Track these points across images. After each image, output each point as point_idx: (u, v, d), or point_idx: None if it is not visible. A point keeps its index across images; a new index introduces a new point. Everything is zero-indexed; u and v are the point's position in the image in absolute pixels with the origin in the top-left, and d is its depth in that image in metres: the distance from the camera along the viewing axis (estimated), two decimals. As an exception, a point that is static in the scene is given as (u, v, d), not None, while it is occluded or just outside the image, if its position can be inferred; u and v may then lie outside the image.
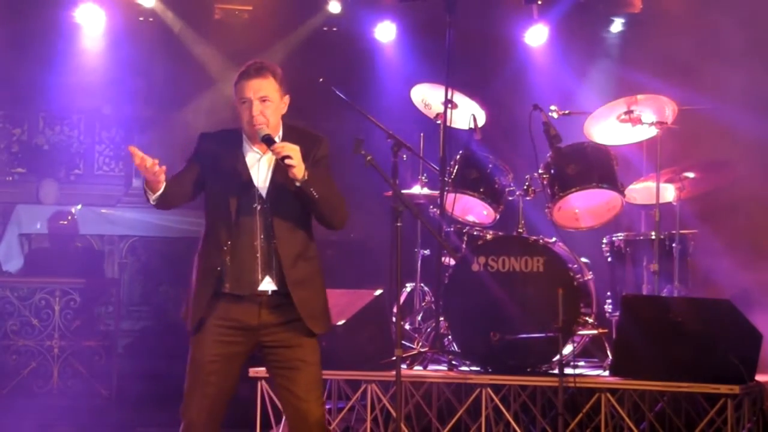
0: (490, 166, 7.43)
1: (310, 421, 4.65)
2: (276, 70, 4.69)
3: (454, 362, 6.93)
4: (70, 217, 9.93)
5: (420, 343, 7.24)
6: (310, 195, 4.55)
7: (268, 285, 4.64)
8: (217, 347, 4.64)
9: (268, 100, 4.63)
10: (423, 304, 7.76)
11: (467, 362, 6.86)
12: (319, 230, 4.80)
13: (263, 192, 4.66)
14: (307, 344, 4.68)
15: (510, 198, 7.42)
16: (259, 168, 4.68)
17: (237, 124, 4.76)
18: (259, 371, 6.37)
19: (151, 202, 4.66)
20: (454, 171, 7.37)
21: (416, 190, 7.75)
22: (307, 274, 4.69)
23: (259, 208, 4.64)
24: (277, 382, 4.73)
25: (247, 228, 4.63)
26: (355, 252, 9.91)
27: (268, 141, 4.58)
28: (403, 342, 5.81)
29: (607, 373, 6.76)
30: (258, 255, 4.63)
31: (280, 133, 4.73)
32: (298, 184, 4.54)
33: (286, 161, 4.50)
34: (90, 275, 9.46)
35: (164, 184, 4.61)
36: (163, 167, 4.55)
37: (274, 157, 4.62)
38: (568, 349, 6.78)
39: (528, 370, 6.79)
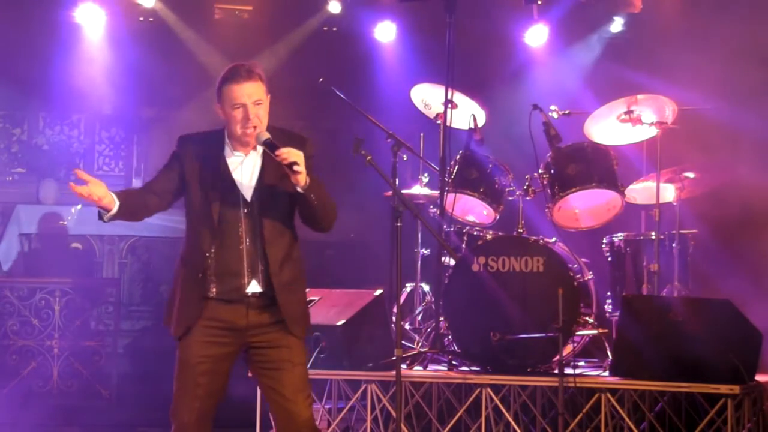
0: (490, 166, 7.42)
1: (298, 421, 4.62)
2: (262, 72, 4.67)
3: (454, 362, 6.93)
4: (69, 217, 9.92)
5: (420, 343, 7.24)
6: (310, 201, 4.53)
7: (254, 287, 4.61)
8: (206, 348, 4.61)
9: (261, 103, 4.61)
10: (423, 304, 7.76)
11: (467, 362, 6.86)
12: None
13: (248, 195, 4.62)
14: (295, 345, 4.66)
15: (510, 198, 7.42)
16: (243, 171, 4.63)
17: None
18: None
19: (105, 220, 4.68)
20: (454, 171, 7.37)
21: (416, 190, 7.75)
22: (293, 276, 4.67)
23: (245, 211, 4.60)
24: (263, 382, 4.70)
25: (232, 232, 4.59)
26: (355, 252, 9.90)
27: (271, 146, 4.52)
28: (403, 342, 5.81)
29: (607, 373, 6.76)
30: (244, 259, 4.59)
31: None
32: (300, 190, 4.52)
33: (294, 167, 4.45)
34: (90, 275, 9.44)
35: (117, 203, 4.62)
36: (101, 195, 4.55)
37: (259, 160, 4.62)
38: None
39: (528, 370, 6.79)
